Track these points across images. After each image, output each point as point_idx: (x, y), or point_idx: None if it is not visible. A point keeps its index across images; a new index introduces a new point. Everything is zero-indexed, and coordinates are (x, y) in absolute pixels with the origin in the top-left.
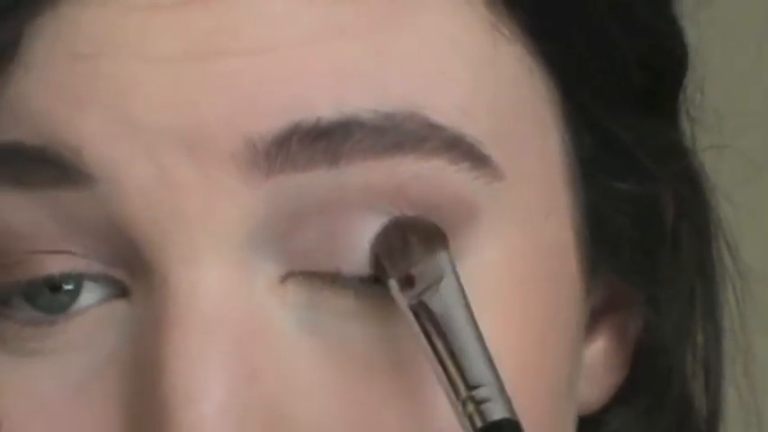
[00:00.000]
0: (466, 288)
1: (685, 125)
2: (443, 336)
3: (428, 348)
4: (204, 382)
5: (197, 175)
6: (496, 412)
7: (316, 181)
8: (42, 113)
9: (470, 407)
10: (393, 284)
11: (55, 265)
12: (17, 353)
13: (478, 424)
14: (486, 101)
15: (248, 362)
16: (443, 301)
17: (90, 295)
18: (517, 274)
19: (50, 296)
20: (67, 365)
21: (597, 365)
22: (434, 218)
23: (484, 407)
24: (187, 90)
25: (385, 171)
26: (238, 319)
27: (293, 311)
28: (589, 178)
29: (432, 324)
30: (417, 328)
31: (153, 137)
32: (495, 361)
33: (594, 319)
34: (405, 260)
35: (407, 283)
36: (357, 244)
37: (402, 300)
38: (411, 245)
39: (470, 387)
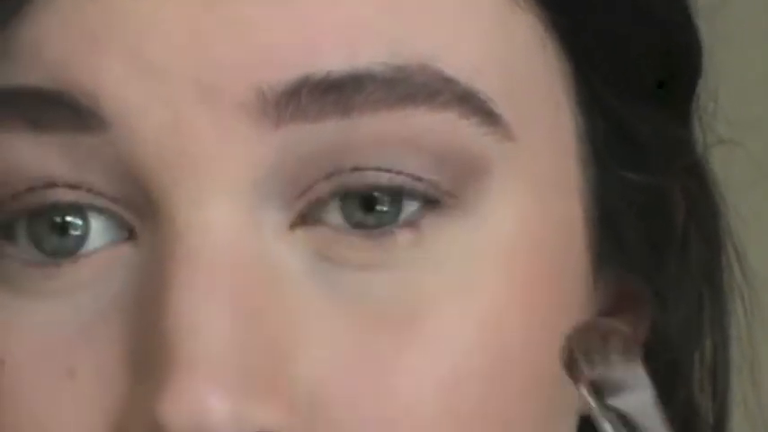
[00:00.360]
0: (472, 239)
1: (698, 132)
2: None
3: None
4: (209, 316)
5: (208, 121)
6: None
7: (326, 130)
8: (59, 57)
9: None
10: (585, 386)
11: (61, 196)
12: (21, 292)
13: None
14: (499, 62)
15: (254, 301)
16: (639, 411)
17: (97, 238)
18: (526, 237)
19: (57, 240)
20: (72, 307)
21: None
22: (445, 172)
23: None
24: (202, 35)
25: (396, 122)
26: (245, 260)
27: (302, 259)
28: (600, 164)
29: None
30: None
31: (168, 81)
32: (495, 322)
33: None
34: (603, 362)
35: (603, 387)
36: None
37: (594, 402)
38: (611, 349)
39: None
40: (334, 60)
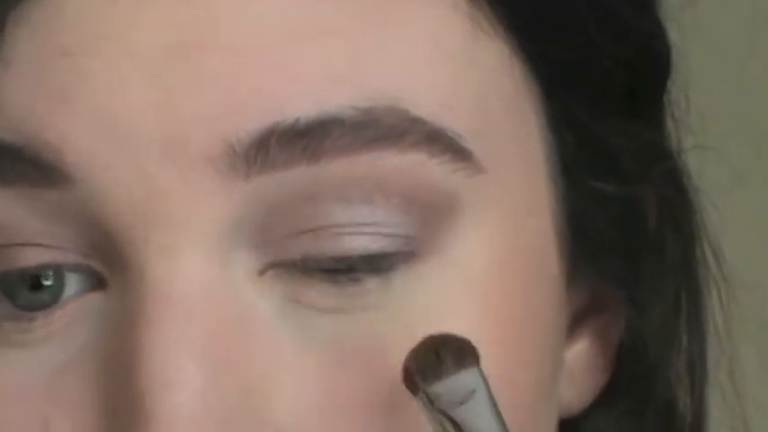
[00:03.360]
0: (443, 280)
1: (671, 129)
2: None
3: None
4: (181, 371)
5: (175, 178)
6: None
7: (294, 177)
8: (23, 111)
9: None
10: (422, 397)
11: (31, 257)
12: None
13: None
14: (468, 96)
15: (225, 351)
16: (471, 413)
17: (69, 288)
18: (498, 267)
19: (30, 295)
20: (44, 357)
21: (579, 368)
22: (415, 214)
23: None
24: (168, 90)
25: (365, 165)
26: (216, 309)
27: (272, 303)
28: (571, 178)
29: None
30: None
31: (133, 140)
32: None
33: (576, 322)
34: (436, 375)
35: (436, 399)
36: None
37: (428, 412)
38: (443, 361)
39: None
40: (302, 107)
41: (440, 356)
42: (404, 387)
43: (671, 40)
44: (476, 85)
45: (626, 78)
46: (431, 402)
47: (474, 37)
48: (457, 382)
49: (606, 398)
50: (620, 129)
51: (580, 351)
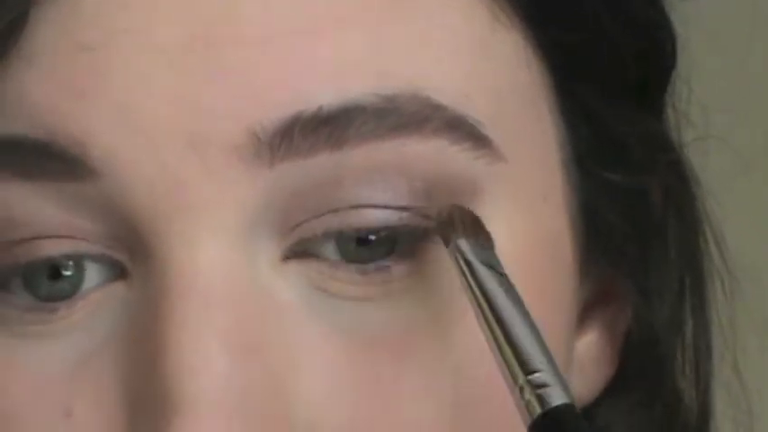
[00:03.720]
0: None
1: (672, 120)
2: (501, 320)
3: (487, 331)
4: (206, 356)
5: (199, 169)
6: (555, 398)
7: (317, 165)
8: (46, 107)
9: (528, 392)
10: (462, 243)
11: (55, 248)
12: (17, 335)
13: (537, 410)
14: (486, 85)
15: (249, 337)
16: (499, 284)
17: (91, 279)
18: (517, 255)
19: (51, 285)
20: (67, 347)
21: (588, 358)
22: (437, 195)
23: (542, 392)
24: (190, 83)
25: (388, 152)
26: (240, 296)
27: (296, 291)
28: (583, 168)
29: (489, 306)
30: (476, 306)
31: (156, 132)
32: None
33: (585, 313)
34: (477, 226)
35: (468, 251)
36: None
37: (457, 264)
38: (480, 223)
39: (528, 372)
40: (324, 95)
41: (479, 225)
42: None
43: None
44: (493, 75)
45: (635, 69)
46: (461, 253)
47: (491, 28)
48: (489, 251)
49: (616, 389)
50: (629, 119)
51: (589, 342)
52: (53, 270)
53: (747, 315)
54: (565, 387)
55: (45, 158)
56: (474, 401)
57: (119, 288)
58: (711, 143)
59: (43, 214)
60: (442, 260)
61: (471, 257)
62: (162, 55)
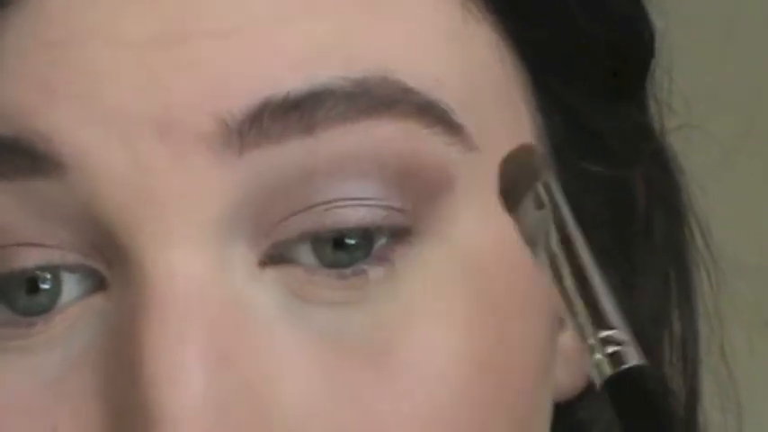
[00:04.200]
0: (441, 260)
1: (654, 110)
2: (581, 275)
3: (568, 284)
4: (183, 367)
5: (169, 159)
6: (632, 357)
7: (289, 152)
8: (13, 103)
9: (605, 349)
10: (552, 181)
11: (30, 258)
12: None
13: (609, 370)
14: (458, 73)
15: (227, 346)
16: (570, 231)
17: (69, 292)
18: (493, 248)
19: (28, 299)
20: (46, 362)
21: (573, 351)
22: (410, 185)
23: (621, 350)
24: (157, 75)
25: (359, 135)
26: (216, 303)
27: (273, 297)
28: (561, 161)
29: (568, 260)
30: (562, 257)
31: (124, 123)
32: (471, 339)
33: None
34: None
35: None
36: None
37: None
38: (533, 165)
39: (607, 328)
40: (292, 81)
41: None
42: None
43: (654, 21)
44: (466, 67)
45: (611, 61)
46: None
47: (463, 20)
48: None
49: None
50: (607, 111)
51: (573, 335)
52: (30, 284)
53: (733, 304)
54: (639, 349)
55: (13, 155)
56: (454, 406)
57: (97, 300)
58: (694, 133)
59: (17, 220)
60: (419, 262)
61: (559, 198)
62: (128, 49)
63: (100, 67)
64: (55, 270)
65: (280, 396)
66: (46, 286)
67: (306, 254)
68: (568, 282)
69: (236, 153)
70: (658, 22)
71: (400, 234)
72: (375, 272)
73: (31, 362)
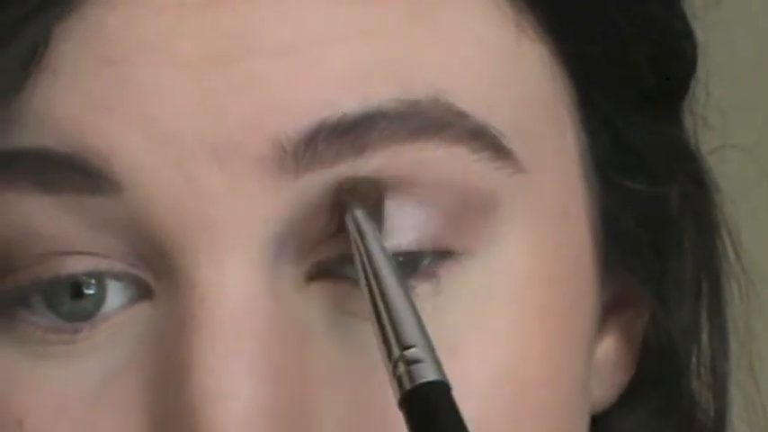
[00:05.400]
0: (487, 279)
1: (689, 124)
2: (384, 292)
3: (369, 306)
4: (233, 381)
5: (224, 182)
6: (429, 373)
7: (341, 173)
8: (70, 120)
9: (402, 367)
10: (359, 213)
11: (77, 265)
12: (40, 355)
13: (407, 385)
14: (509, 96)
15: (275, 361)
16: (372, 255)
17: (113, 299)
18: (538, 268)
19: (73, 304)
20: (90, 368)
21: (606, 364)
22: (456, 207)
23: (414, 367)
24: (213, 96)
25: (407, 158)
26: (265, 319)
27: (320, 312)
28: (603, 178)
29: (374, 276)
30: (363, 281)
31: (180, 145)
32: (516, 357)
33: (604, 317)
34: (379, 204)
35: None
36: None
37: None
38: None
39: (403, 347)
40: (347, 102)
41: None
42: None
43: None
44: (517, 86)
45: (656, 78)
46: (356, 221)
47: (517, 39)
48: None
49: (632, 396)
50: (649, 128)
51: (607, 347)
52: (75, 288)
53: (763, 319)
54: (438, 365)
55: (68, 172)
56: (501, 423)
57: (143, 308)
58: (729, 147)
59: (65, 229)
60: (465, 281)
61: (366, 227)
62: (185, 68)
63: (157, 87)
64: (100, 276)
65: (326, 410)
66: (91, 291)
67: (352, 269)
68: (378, 300)
69: (292, 177)
70: (699, 36)
71: (446, 253)
72: (422, 288)
73: (76, 368)
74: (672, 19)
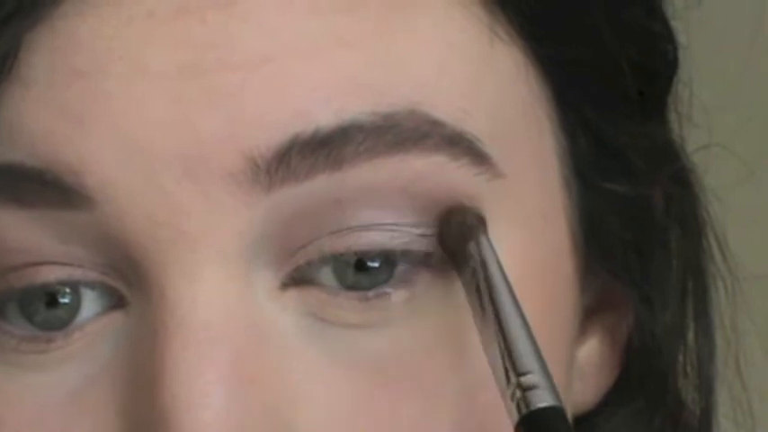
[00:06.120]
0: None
1: (674, 123)
2: (499, 319)
3: (485, 330)
4: (205, 390)
5: (197, 196)
6: (544, 399)
7: (316, 186)
8: (42, 134)
9: (518, 393)
10: (484, 239)
11: (51, 274)
12: (14, 365)
13: (524, 410)
14: (485, 101)
15: (249, 370)
16: (494, 282)
17: (88, 309)
18: (518, 273)
19: (47, 312)
20: (64, 377)
21: (589, 365)
22: (435, 213)
23: (531, 393)
24: (185, 108)
25: (387, 170)
26: (238, 328)
27: (295, 320)
28: (584, 180)
29: (491, 303)
30: (477, 306)
31: (152, 159)
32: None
33: (586, 319)
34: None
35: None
36: None
37: (465, 275)
38: (467, 224)
39: (519, 374)
40: (321, 116)
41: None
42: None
43: (677, 37)
44: (492, 90)
45: (635, 79)
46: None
47: (490, 43)
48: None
49: (617, 397)
50: (630, 129)
51: (591, 348)
52: (50, 297)
53: (749, 318)
54: (554, 390)
55: (40, 186)
56: (472, 428)
57: (116, 317)
58: (714, 146)
59: (38, 242)
60: (442, 286)
61: (489, 254)
62: (157, 81)
63: (128, 99)
64: (75, 285)
65: (300, 420)
66: (65, 300)
67: (327, 276)
68: (491, 328)
69: (264, 190)
70: (681, 36)
71: (423, 259)
72: (398, 295)
73: (50, 377)
74: (651, 21)
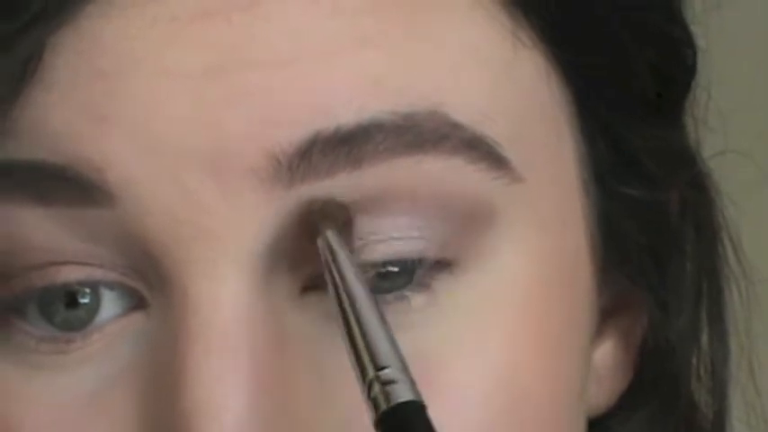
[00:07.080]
0: (484, 290)
1: (690, 127)
2: (355, 314)
3: (343, 328)
4: (225, 395)
5: (219, 194)
6: (403, 395)
7: (336, 184)
8: (64, 132)
9: (377, 388)
10: (331, 234)
11: (71, 274)
12: (33, 366)
13: (383, 406)
14: (506, 104)
15: (269, 373)
16: (345, 276)
17: (108, 309)
18: (536, 277)
19: (67, 313)
20: (83, 378)
21: (604, 367)
22: (452, 218)
23: (390, 388)
24: (208, 107)
25: (405, 170)
26: (259, 332)
27: (315, 323)
28: (601, 184)
29: (348, 297)
30: (336, 303)
31: (175, 156)
32: (513, 365)
33: (602, 321)
34: (349, 225)
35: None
36: None
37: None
38: (314, 220)
39: (378, 368)
40: (342, 114)
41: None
42: None
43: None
44: (513, 94)
45: (654, 84)
46: (328, 242)
47: (513, 48)
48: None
49: (630, 400)
50: (647, 134)
51: (605, 351)
52: (69, 297)
53: (764, 322)
54: (413, 385)
55: (62, 183)
56: (493, 430)
57: (137, 318)
58: (729, 150)
59: (59, 241)
60: (461, 291)
61: (337, 247)
62: (180, 80)
63: (151, 98)
64: (95, 285)
65: (320, 421)
66: (85, 300)
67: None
68: (352, 322)
69: (285, 187)
70: (699, 40)
71: (441, 264)
72: (417, 299)
73: (69, 378)
74: (671, 27)
